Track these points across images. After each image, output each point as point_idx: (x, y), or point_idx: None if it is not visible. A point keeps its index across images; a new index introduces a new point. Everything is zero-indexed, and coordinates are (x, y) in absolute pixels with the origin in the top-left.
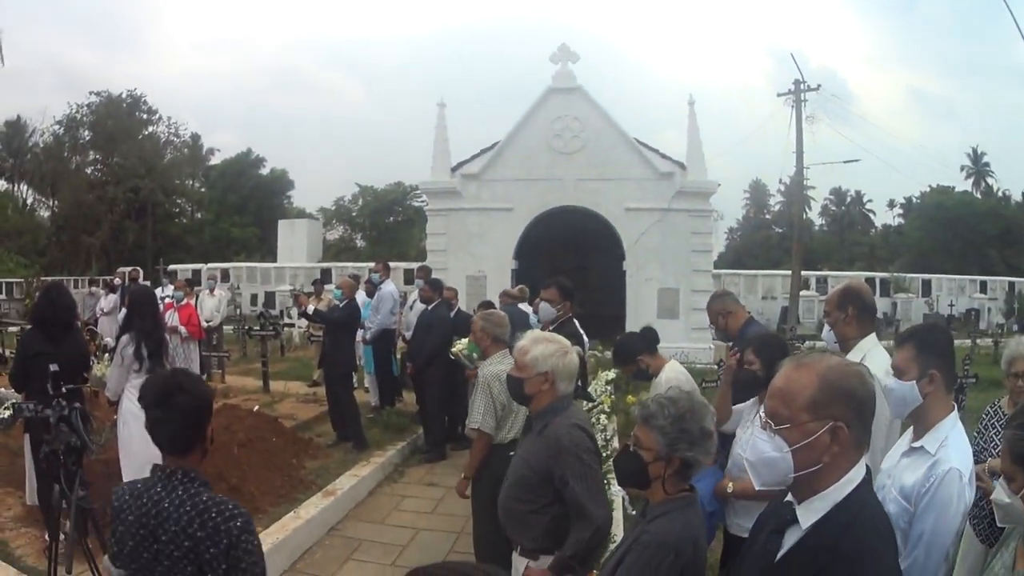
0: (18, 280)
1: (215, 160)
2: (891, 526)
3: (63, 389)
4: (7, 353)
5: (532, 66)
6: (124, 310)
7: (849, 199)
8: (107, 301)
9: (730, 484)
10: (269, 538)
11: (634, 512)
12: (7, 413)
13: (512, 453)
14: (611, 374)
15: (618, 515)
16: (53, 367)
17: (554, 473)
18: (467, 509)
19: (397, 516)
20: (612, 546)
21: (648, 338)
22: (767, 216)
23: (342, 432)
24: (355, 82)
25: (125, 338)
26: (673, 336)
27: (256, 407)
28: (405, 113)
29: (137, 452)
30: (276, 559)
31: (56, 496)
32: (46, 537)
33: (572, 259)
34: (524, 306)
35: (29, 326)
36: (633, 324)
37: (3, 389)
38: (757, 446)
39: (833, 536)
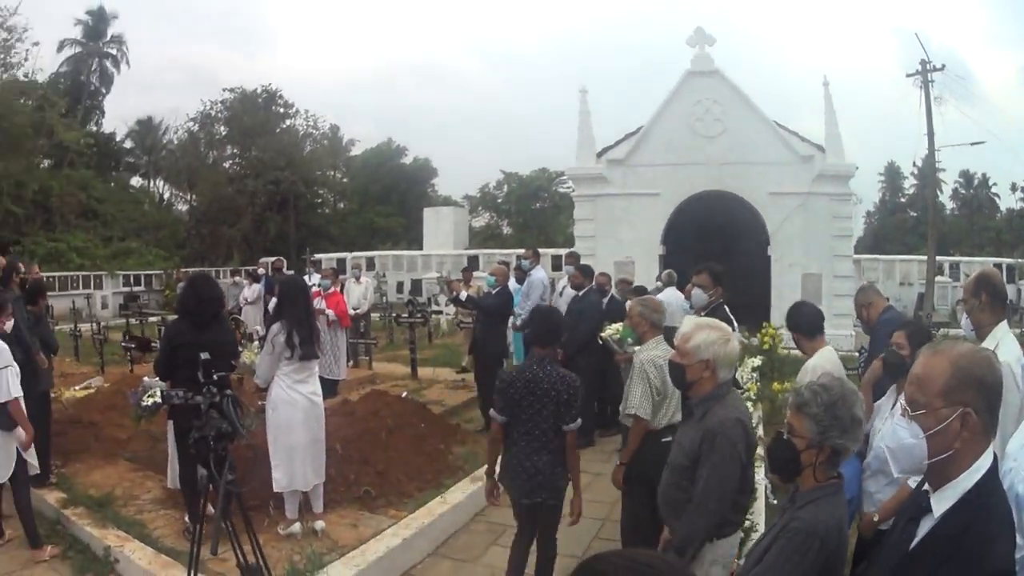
0: (157, 272)
1: (355, 151)
2: (1011, 513)
3: (213, 377)
4: (154, 343)
5: (670, 50)
6: (274, 299)
7: (976, 182)
8: (251, 291)
9: (875, 515)
10: (415, 522)
11: (775, 502)
12: (151, 400)
13: (666, 439)
14: (757, 361)
15: (760, 504)
16: (204, 355)
17: (701, 459)
18: (613, 496)
19: None
20: (756, 535)
21: (811, 319)
22: (902, 200)
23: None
24: (493, 71)
25: (276, 326)
26: None
27: (404, 393)
28: (545, 100)
29: (285, 437)
30: (420, 543)
31: (203, 480)
32: (186, 519)
33: (717, 244)
34: (670, 292)
35: (174, 316)
36: (778, 310)
37: (147, 378)
38: (896, 433)
39: (962, 525)
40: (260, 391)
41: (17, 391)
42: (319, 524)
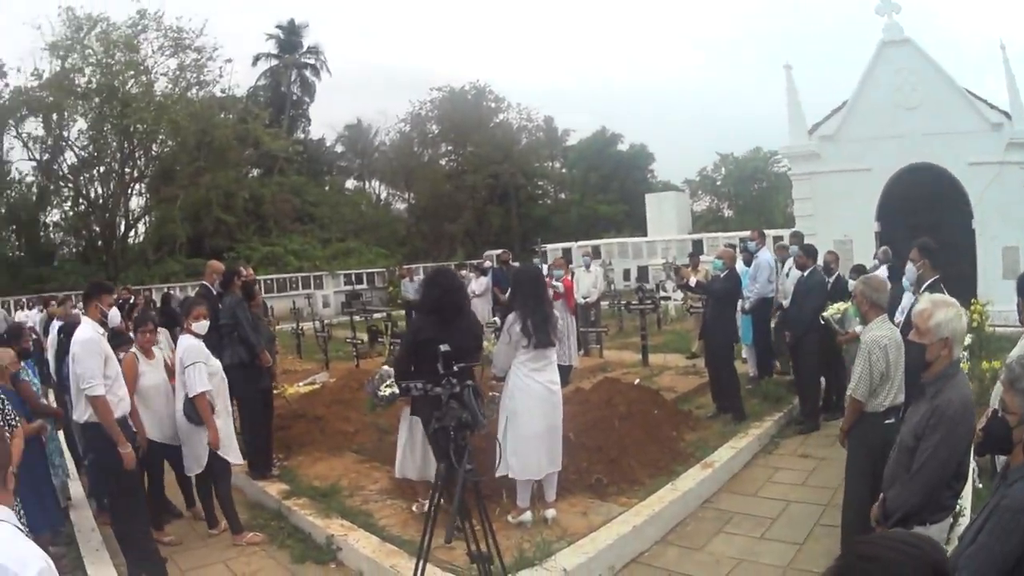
0: (379, 270)
1: (571, 141)
2: None
3: (454, 368)
4: (381, 338)
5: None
6: (508, 291)
7: None
8: (478, 284)
9: None
10: (645, 510)
11: (980, 486)
12: (388, 391)
13: (889, 421)
14: (967, 339)
15: (967, 488)
16: (443, 347)
17: (924, 436)
18: (836, 481)
19: (769, 488)
20: (963, 520)
21: None
22: None
23: (721, 403)
24: (697, 51)
25: (511, 316)
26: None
27: (637, 380)
28: (752, 77)
29: (520, 426)
30: (649, 531)
31: (441, 470)
32: (413, 508)
33: (927, 218)
34: (886, 269)
35: (394, 311)
36: (983, 285)
37: (385, 367)
38: None
39: None
40: (497, 380)
41: (204, 386)
42: (550, 512)
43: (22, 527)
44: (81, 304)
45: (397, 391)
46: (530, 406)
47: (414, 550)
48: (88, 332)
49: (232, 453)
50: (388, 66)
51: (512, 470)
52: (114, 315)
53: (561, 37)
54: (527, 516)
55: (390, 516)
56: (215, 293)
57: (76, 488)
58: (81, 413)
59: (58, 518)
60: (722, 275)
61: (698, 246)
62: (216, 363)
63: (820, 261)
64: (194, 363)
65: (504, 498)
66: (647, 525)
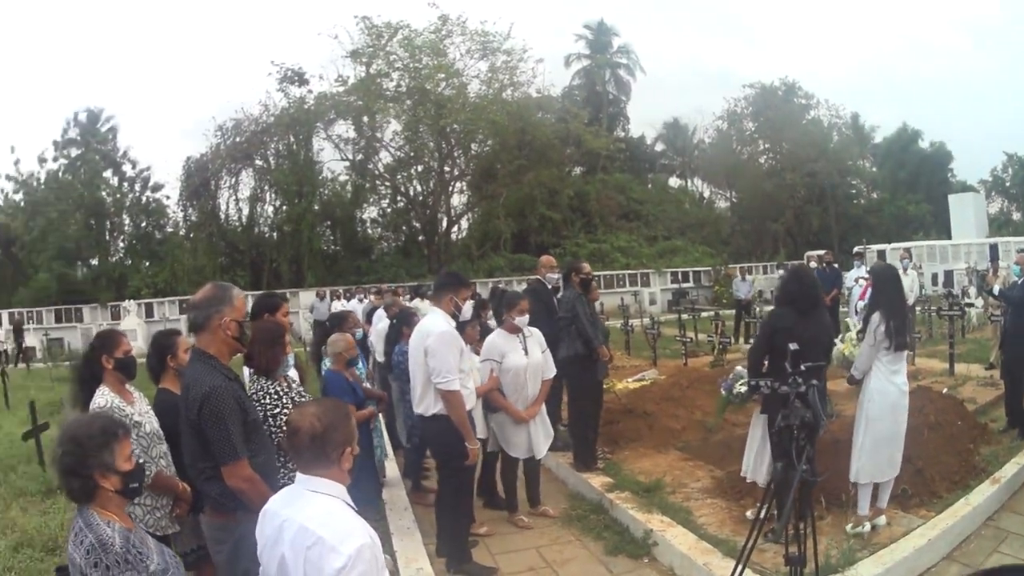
0: (705, 268)
1: (877, 138)
2: None
3: (802, 367)
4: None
5: None
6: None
7: None
8: None
9: None
10: (940, 523)
11: None
12: (743, 388)
13: None
14: None
15: None
16: (793, 346)
17: None
18: None
19: None
20: None
21: None
22: None
23: (1013, 417)
24: (981, 43)
25: (876, 316)
26: None
27: (944, 389)
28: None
29: (875, 429)
30: (939, 546)
31: (778, 470)
32: (748, 515)
33: None
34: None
35: (776, 304)
36: None
37: (740, 367)
38: None
39: None
40: (853, 383)
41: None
42: (881, 520)
43: (352, 504)
44: (419, 295)
45: (749, 389)
46: (886, 409)
47: (728, 550)
48: (444, 324)
49: (514, 448)
50: (697, 63)
51: (859, 474)
52: (467, 309)
53: (847, 26)
54: (866, 527)
55: (709, 515)
56: (549, 287)
57: (391, 468)
58: (429, 405)
59: (373, 495)
60: (1020, 281)
61: (994, 251)
62: (513, 359)
63: None
64: (486, 360)
65: (822, 502)
66: (939, 539)
